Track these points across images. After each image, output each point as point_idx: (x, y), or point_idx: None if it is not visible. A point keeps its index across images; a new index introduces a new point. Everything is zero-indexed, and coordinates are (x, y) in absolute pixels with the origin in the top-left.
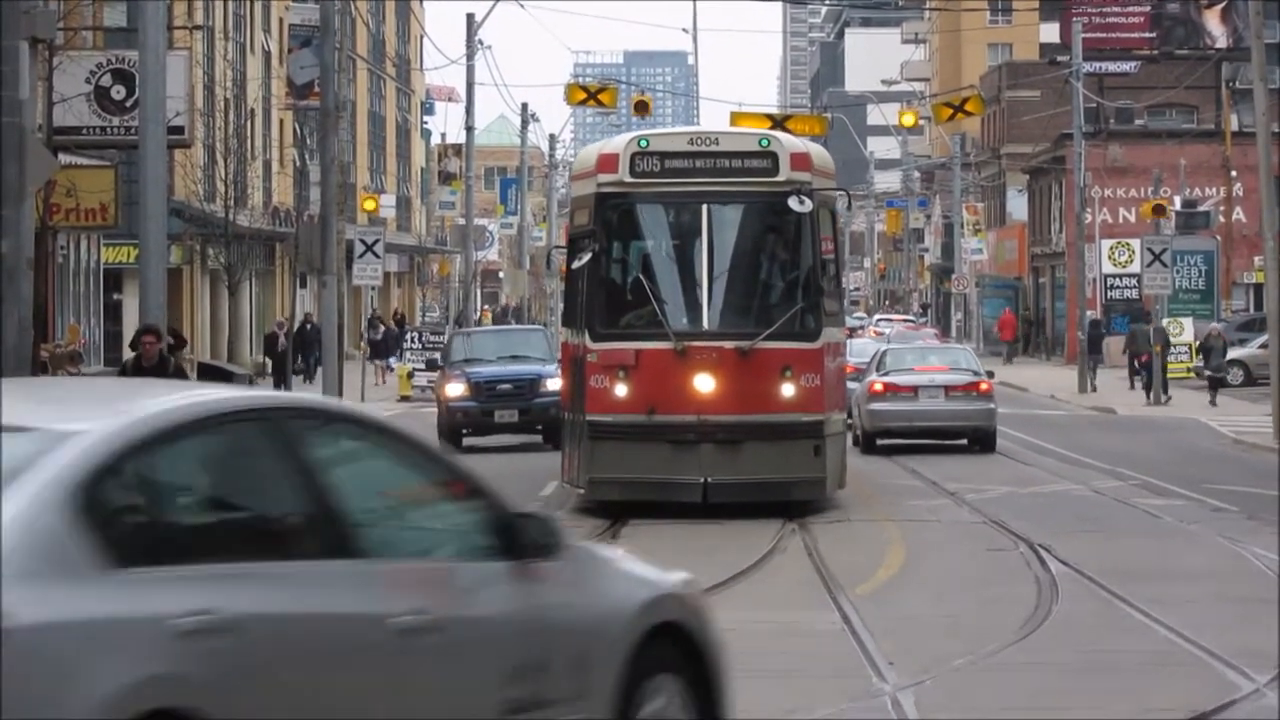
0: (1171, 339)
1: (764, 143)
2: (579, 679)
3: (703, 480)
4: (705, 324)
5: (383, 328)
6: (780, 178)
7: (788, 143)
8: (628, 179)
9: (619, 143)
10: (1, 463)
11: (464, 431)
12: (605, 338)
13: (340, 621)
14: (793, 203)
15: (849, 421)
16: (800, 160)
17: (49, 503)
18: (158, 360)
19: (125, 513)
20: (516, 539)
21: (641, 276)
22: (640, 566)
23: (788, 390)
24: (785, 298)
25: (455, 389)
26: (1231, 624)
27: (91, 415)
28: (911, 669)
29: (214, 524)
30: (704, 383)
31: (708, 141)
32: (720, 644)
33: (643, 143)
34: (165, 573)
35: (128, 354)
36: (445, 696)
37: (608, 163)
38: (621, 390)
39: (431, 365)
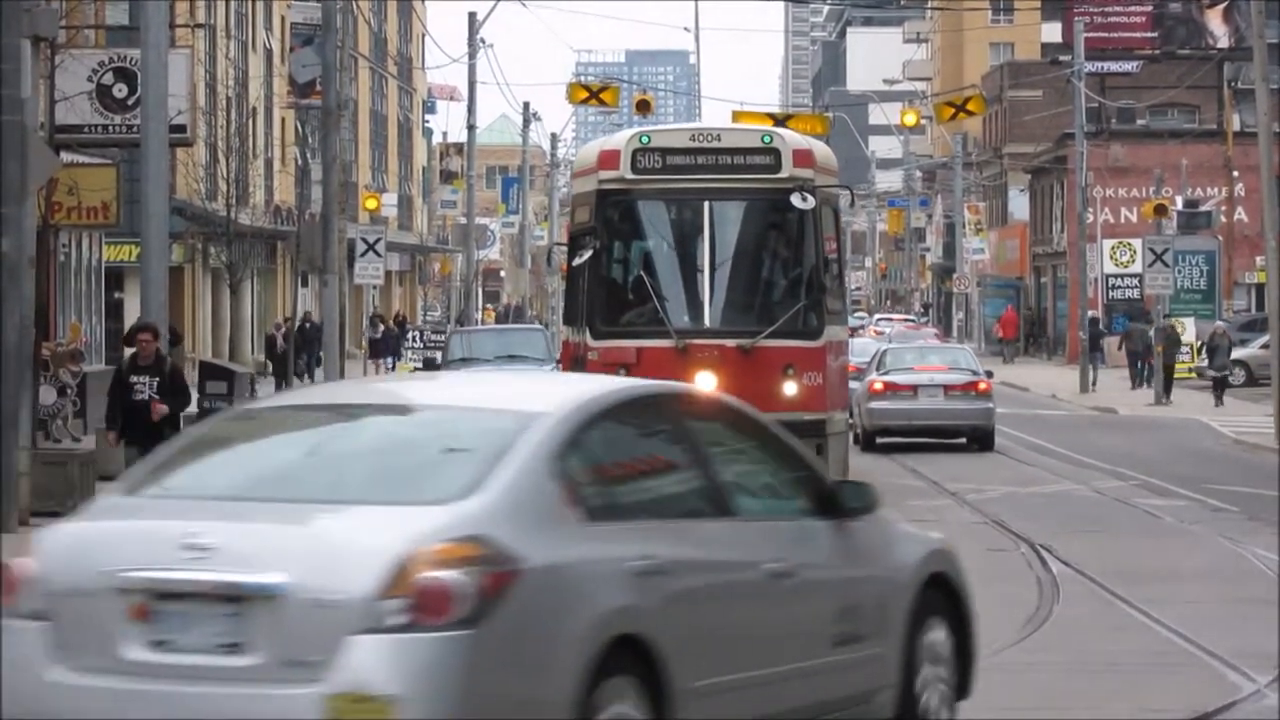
0: (1179, 338)
1: (766, 139)
2: (880, 619)
3: None
4: (707, 322)
5: (382, 327)
6: (783, 175)
7: (790, 139)
8: (629, 175)
9: (620, 139)
10: (492, 437)
11: None
12: (606, 335)
13: (731, 566)
14: (795, 200)
15: (849, 421)
16: (803, 157)
17: (537, 470)
18: (155, 358)
19: (585, 478)
20: (835, 502)
21: (643, 274)
22: (913, 528)
23: (790, 389)
24: (787, 295)
25: None
26: (1232, 625)
27: (544, 400)
28: None
29: (644, 487)
30: (705, 381)
31: (710, 138)
32: (970, 592)
33: (644, 139)
34: (617, 526)
35: (130, 352)
36: (797, 627)
37: (609, 159)
38: None
39: (429, 364)
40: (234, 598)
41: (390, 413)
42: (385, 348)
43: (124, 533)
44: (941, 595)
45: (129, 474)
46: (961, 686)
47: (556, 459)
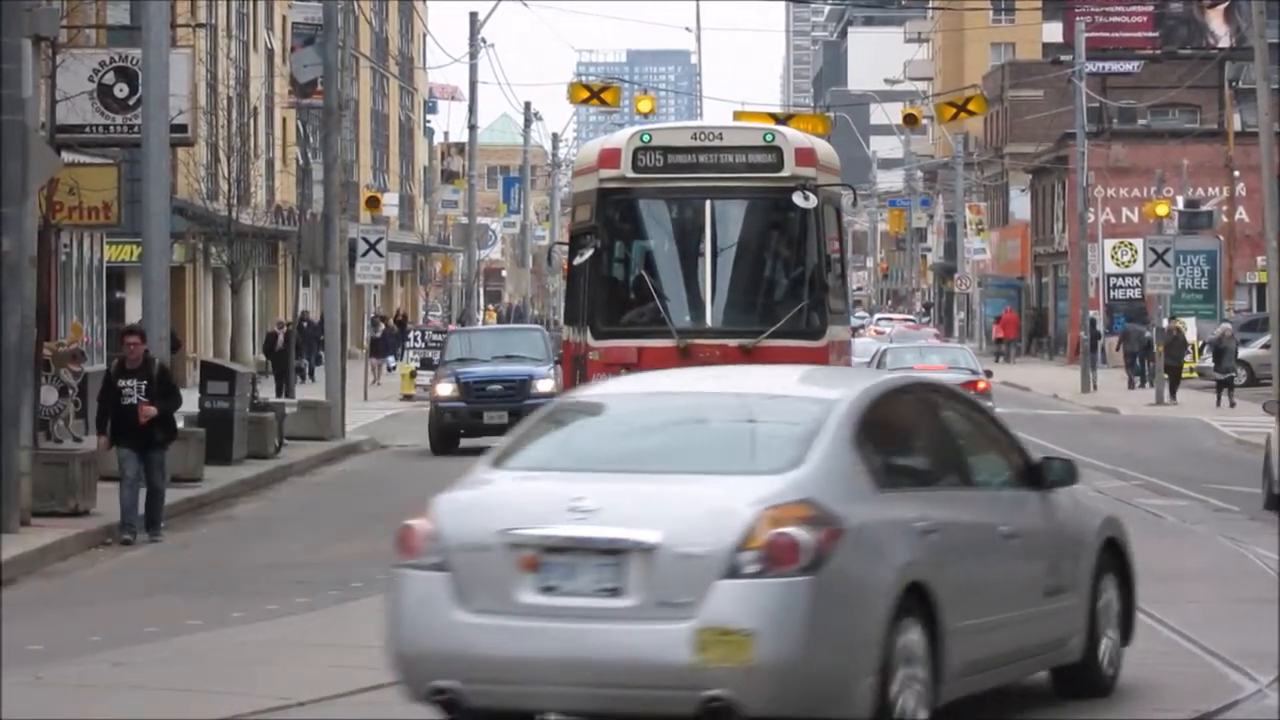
0: (1185, 339)
1: (768, 138)
2: (1074, 574)
3: None
4: (708, 321)
5: (382, 326)
6: (785, 173)
7: (792, 138)
8: (630, 174)
9: (621, 137)
10: (803, 418)
11: (461, 433)
12: (607, 335)
13: (978, 528)
14: (797, 199)
15: None
16: (805, 155)
17: (842, 446)
18: (143, 361)
19: (873, 453)
20: (1040, 475)
21: (644, 273)
22: (1091, 500)
23: None
24: (789, 295)
25: (445, 389)
26: (1234, 624)
27: (838, 388)
28: None
29: (913, 461)
30: None
31: (711, 136)
32: (1134, 556)
33: (645, 137)
34: (899, 494)
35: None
36: (1022, 580)
37: (610, 158)
38: None
39: (427, 364)
40: (614, 551)
41: (710, 399)
42: (385, 347)
43: (512, 497)
44: (1114, 557)
45: (493, 451)
46: (1125, 635)
47: (854, 437)
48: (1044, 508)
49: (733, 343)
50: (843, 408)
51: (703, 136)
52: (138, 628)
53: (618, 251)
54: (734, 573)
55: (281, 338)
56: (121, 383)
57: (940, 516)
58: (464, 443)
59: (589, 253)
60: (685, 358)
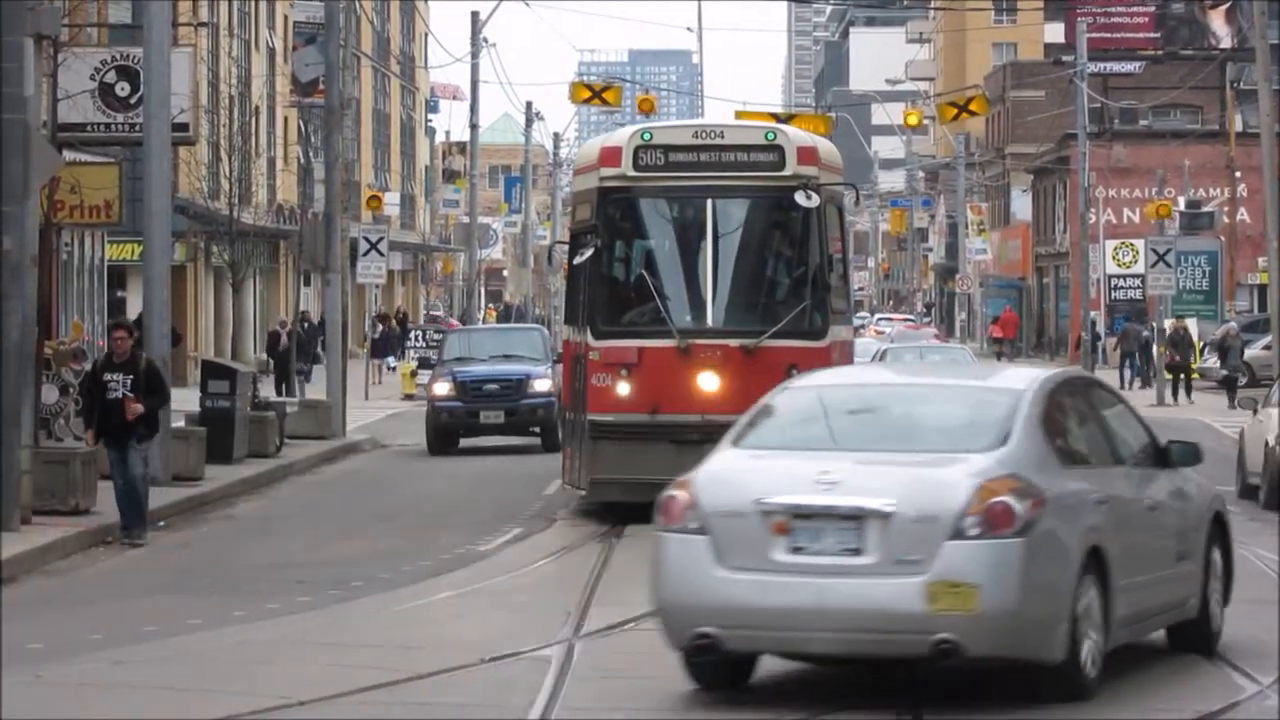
0: (1192, 339)
1: (770, 136)
2: (1194, 543)
3: None
4: (709, 321)
5: (380, 326)
6: (787, 172)
7: (794, 136)
8: (631, 172)
9: (622, 135)
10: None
11: (460, 432)
12: (607, 335)
13: (1131, 501)
14: (799, 198)
15: None
16: (807, 154)
17: (1034, 429)
18: (129, 356)
19: (1055, 434)
20: (1168, 456)
21: (645, 272)
22: (1202, 478)
23: None
24: (791, 295)
25: (442, 388)
26: (1235, 625)
27: (1020, 380)
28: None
29: (1082, 441)
30: (708, 381)
31: (713, 135)
32: (1232, 531)
33: (646, 135)
34: (1076, 470)
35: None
36: (1161, 546)
37: (610, 156)
38: (624, 389)
39: (424, 364)
40: (856, 517)
41: (913, 389)
42: (386, 347)
43: (761, 472)
44: (1218, 528)
45: (729, 434)
46: (1226, 597)
47: (1040, 421)
48: (1172, 484)
49: (734, 343)
50: (1029, 396)
51: (704, 135)
52: (138, 627)
53: (618, 250)
54: (959, 535)
55: (285, 337)
56: (107, 376)
57: (1107, 490)
58: (463, 443)
59: (589, 252)
60: (686, 357)
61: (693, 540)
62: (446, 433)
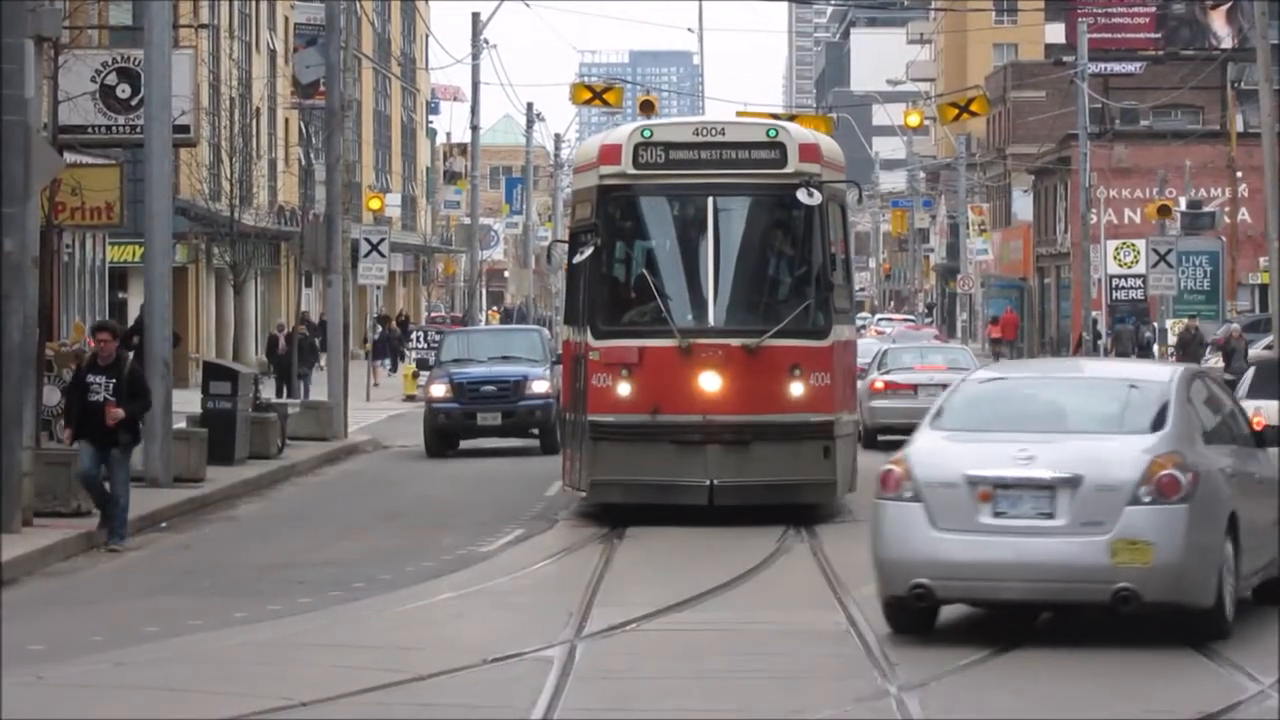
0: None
1: (772, 133)
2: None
3: (709, 482)
4: (711, 320)
5: (380, 328)
6: (788, 169)
7: (796, 133)
8: (630, 170)
9: (622, 133)
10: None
11: (457, 434)
12: (608, 335)
13: (1247, 473)
14: (801, 195)
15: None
16: (809, 151)
17: (1183, 412)
18: (114, 359)
19: (1197, 418)
20: (1263, 438)
21: (645, 271)
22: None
23: (796, 389)
24: (793, 293)
25: (438, 390)
26: (1237, 626)
27: (1161, 373)
28: (917, 670)
29: (1210, 422)
30: (709, 381)
31: (713, 132)
32: None
33: (646, 133)
34: (1213, 447)
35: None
36: (1264, 513)
37: (610, 154)
38: (624, 389)
39: (423, 364)
40: (1050, 486)
41: (1077, 380)
42: (386, 350)
43: (966, 449)
44: None
45: (927, 417)
46: None
47: (1187, 406)
48: (1266, 461)
49: (735, 342)
50: (1174, 385)
51: (705, 132)
52: (139, 628)
53: (618, 250)
54: (1136, 501)
55: (283, 340)
56: (90, 378)
57: (1233, 464)
58: (464, 444)
59: (589, 251)
60: (687, 357)
61: (909, 506)
62: (444, 434)
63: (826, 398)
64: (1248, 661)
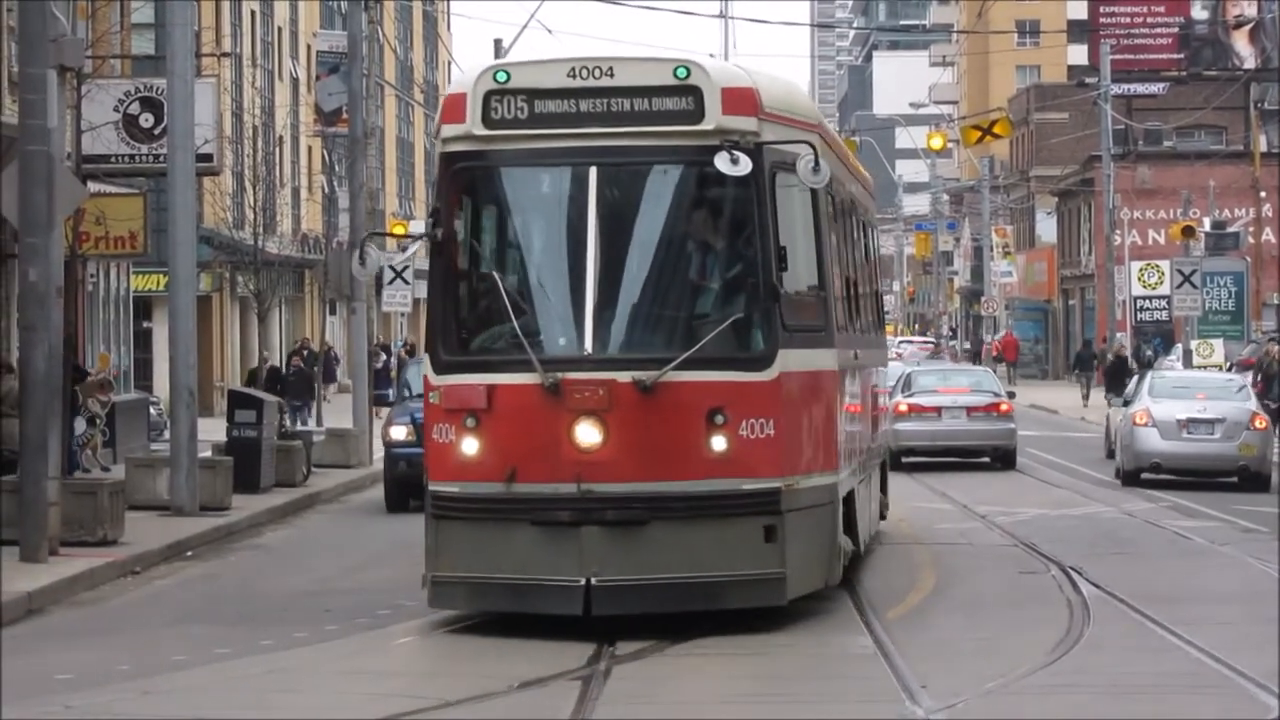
0: (1200, 359)
1: (681, 73)
2: None
3: (583, 581)
4: (588, 346)
5: (384, 357)
6: (706, 125)
7: (719, 72)
8: (479, 130)
9: (468, 78)
10: None
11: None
12: (449, 368)
13: None
14: (720, 162)
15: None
16: (739, 99)
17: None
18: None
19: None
20: None
21: (497, 276)
22: None
23: (718, 444)
24: (718, 305)
25: (398, 432)
26: (1263, 645)
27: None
28: (944, 693)
29: None
30: (587, 434)
31: (599, 73)
32: None
33: (501, 76)
34: None
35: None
36: None
37: (453, 108)
38: (469, 447)
39: (381, 401)
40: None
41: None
42: (386, 380)
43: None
44: None
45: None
46: None
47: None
48: None
49: (624, 376)
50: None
51: (585, 73)
52: (166, 656)
53: (465, 246)
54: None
55: (300, 361)
56: None
57: None
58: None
59: (429, 249)
60: (555, 400)
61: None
62: (406, 484)
63: (768, 455)
64: (1274, 680)
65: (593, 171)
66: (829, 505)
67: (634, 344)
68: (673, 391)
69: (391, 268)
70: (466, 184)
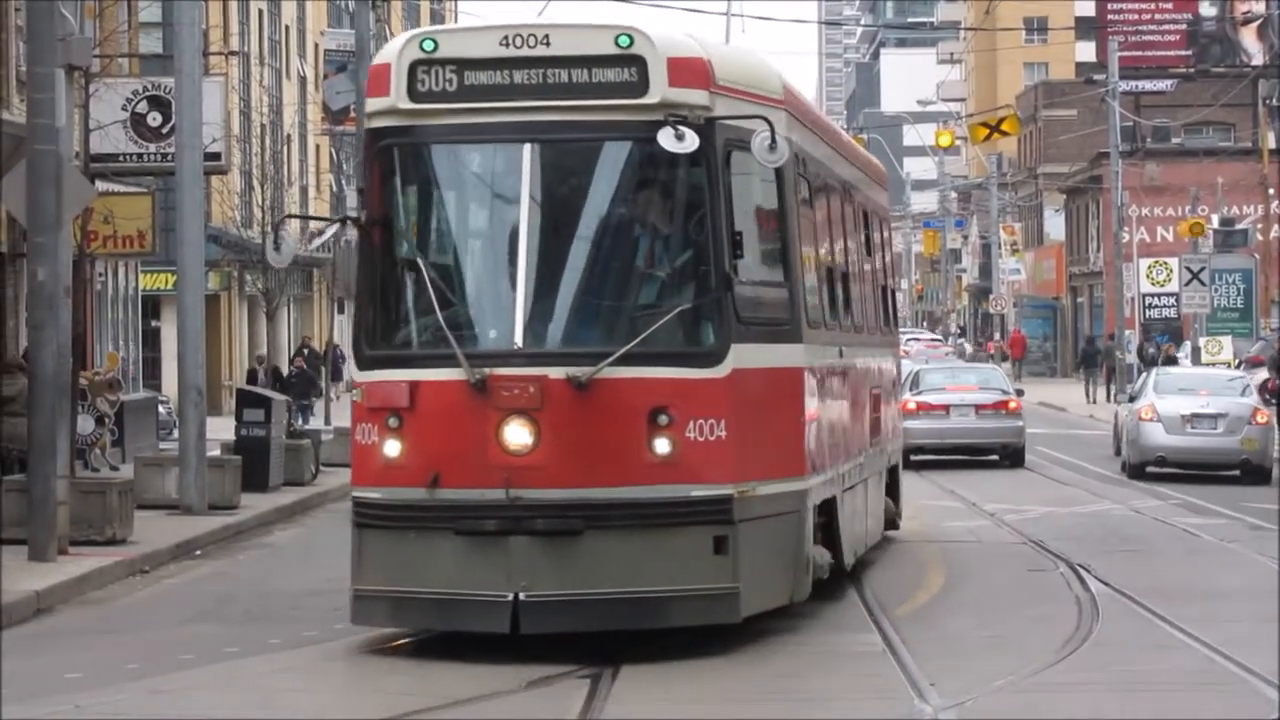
0: (1209, 356)
1: (624, 41)
2: None
3: (511, 597)
4: (518, 339)
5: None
6: (650, 99)
7: (664, 42)
8: (405, 104)
9: (394, 47)
10: None
11: None
12: (373, 363)
13: None
14: (663, 138)
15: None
16: (686, 70)
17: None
18: None
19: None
20: None
21: (424, 264)
22: None
23: (661, 446)
24: (664, 295)
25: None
26: (1271, 642)
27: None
28: (953, 690)
29: None
30: (516, 435)
31: (534, 41)
32: None
33: (427, 45)
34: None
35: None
36: None
37: (378, 80)
38: (391, 449)
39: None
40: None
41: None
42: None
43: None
44: None
45: (1149, 385)
46: None
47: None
48: None
49: (557, 372)
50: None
51: (519, 42)
52: (175, 655)
53: (392, 229)
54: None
55: (262, 374)
56: None
57: None
58: None
59: (353, 233)
60: (482, 398)
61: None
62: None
63: (718, 459)
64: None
65: (527, 149)
66: (793, 514)
67: (570, 337)
68: (611, 389)
69: None
70: (391, 163)
